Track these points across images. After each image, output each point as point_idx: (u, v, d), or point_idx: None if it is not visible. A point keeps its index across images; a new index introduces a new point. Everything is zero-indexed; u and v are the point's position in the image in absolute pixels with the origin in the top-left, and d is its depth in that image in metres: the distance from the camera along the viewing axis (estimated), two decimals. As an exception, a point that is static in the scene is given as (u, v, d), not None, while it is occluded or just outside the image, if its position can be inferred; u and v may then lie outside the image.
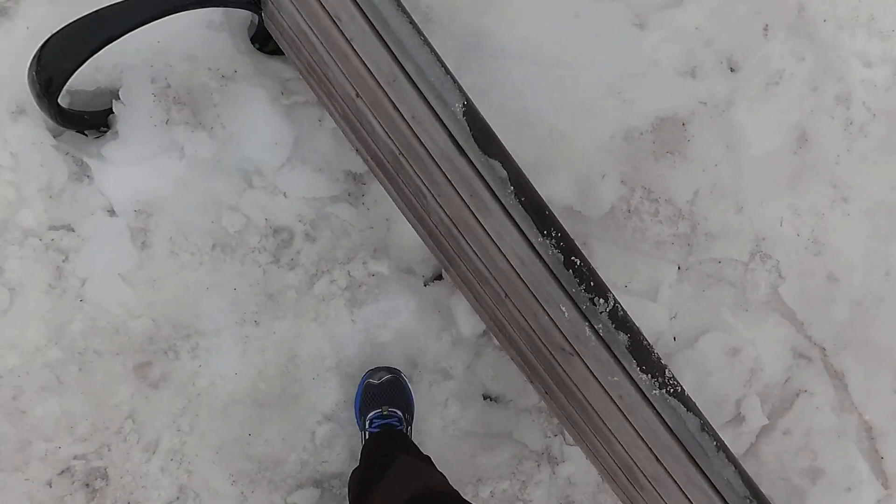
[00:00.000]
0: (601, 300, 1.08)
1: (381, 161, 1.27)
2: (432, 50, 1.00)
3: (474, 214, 1.11)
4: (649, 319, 1.55)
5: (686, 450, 1.13)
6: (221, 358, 1.25)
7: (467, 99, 1.03)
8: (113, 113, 1.24)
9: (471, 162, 1.06)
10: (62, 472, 1.23)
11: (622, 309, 1.10)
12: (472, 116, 1.03)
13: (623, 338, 1.09)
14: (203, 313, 1.25)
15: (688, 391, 1.15)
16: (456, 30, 1.37)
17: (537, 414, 1.55)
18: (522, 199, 1.06)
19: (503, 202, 1.06)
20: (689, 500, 1.18)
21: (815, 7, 1.50)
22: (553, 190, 1.44)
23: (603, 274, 1.19)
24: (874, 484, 1.59)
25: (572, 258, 1.07)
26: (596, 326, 1.09)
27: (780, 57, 1.47)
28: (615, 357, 1.11)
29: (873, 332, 1.62)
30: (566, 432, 1.57)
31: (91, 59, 1.05)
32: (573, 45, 1.38)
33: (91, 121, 1.25)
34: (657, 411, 1.12)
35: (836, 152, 1.56)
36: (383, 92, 1.07)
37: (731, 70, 1.47)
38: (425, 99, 1.02)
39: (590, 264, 1.10)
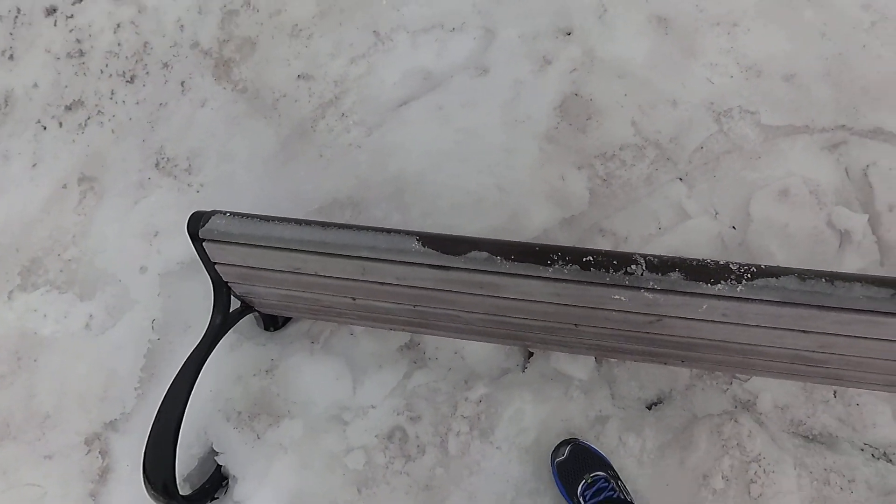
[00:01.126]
0: (633, 266, 1.19)
1: (411, 321, 1.48)
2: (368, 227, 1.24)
3: (494, 295, 1.27)
4: (699, 232, 1.61)
5: (810, 305, 1.15)
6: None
7: (419, 234, 1.24)
8: (221, 466, 1.50)
9: (455, 268, 1.24)
10: None
11: (654, 257, 1.20)
12: (429, 240, 1.23)
13: (675, 275, 1.19)
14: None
15: (783, 261, 1.16)
16: (378, 197, 1.64)
17: (700, 381, 1.56)
18: (512, 256, 1.23)
19: (503, 271, 1.23)
20: (854, 336, 1.17)
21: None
22: (538, 221, 1.61)
23: (633, 234, 1.27)
24: None
25: (584, 259, 1.20)
26: (650, 286, 1.19)
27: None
28: (685, 293, 1.19)
29: (863, 80, 1.64)
30: (735, 374, 1.56)
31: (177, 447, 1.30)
32: (455, 134, 1.64)
33: (212, 487, 1.49)
34: (757, 300, 1.16)
35: (695, 6, 1.72)
36: (364, 282, 1.29)
37: (568, 34, 1.69)
38: (391, 260, 1.23)
39: (608, 253, 1.22)
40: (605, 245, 1.66)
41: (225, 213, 1.38)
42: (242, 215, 1.37)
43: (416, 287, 1.31)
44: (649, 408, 1.56)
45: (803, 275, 1.18)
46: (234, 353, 1.61)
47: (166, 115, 1.81)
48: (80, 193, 1.85)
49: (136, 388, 1.65)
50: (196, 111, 1.73)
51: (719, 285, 1.19)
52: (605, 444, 1.49)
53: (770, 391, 1.51)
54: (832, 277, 1.17)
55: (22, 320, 1.77)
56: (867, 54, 1.64)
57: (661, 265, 1.20)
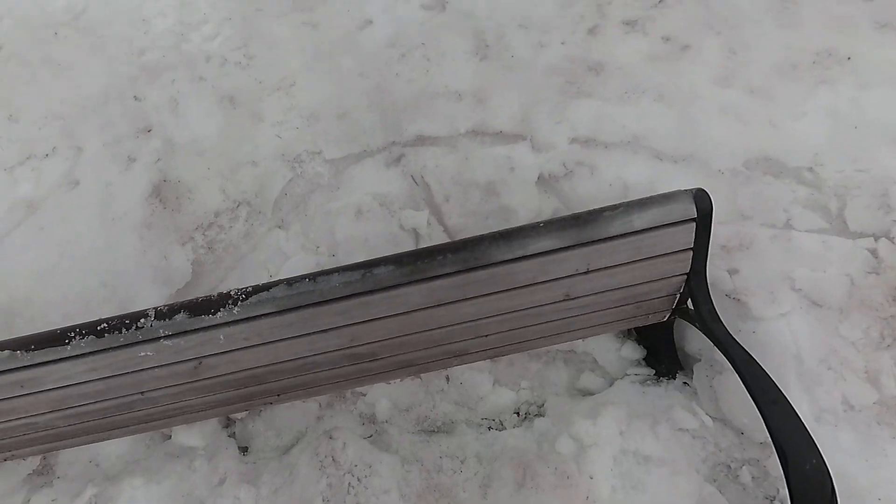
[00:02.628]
0: (143, 320, 1.32)
1: (26, 440, 1.51)
2: None
3: (37, 390, 1.35)
4: (301, 266, 1.79)
5: (299, 307, 1.31)
6: None
7: None
8: None
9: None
10: None
11: (164, 306, 1.34)
12: None
13: (181, 316, 1.33)
14: None
15: None
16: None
17: (329, 409, 1.66)
18: (32, 347, 1.33)
19: (28, 364, 1.32)
20: (352, 324, 1.33)
21: (152, 62, 2.05)
22: (148, 300, 1.73)
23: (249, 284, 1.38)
24: (517, 147, 1.81)
25: (98, 328, 1.32)
26: (165, 334, 1.32)
27: (160, 96, 1.97)
28: (197, 330, 1.33)
29: (400, 102, 1.95)
30: (350, 390, 1.68)
31: None
32: (61, 248, 1.79)
33: None
34: (260, 315, 1.31)
35: (255, 80, 2.02)
36: None
37: (148, 131, 1.93)
38: None
39: (106, 319, 1.33)
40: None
41: None
42: None
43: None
44: (286, 452, 1.62)
45: (290, 281, 1.36)
46: None
47: None
48: None
49: None
50: None
51: (220, 313, 1.34)
52: (221, 504, 1.52)
53: (388, 397, 1.64)
54: (314, 276, 1.36)
55: None
56: (400, 80, 1.98)
57: (168, 311, 1.34)
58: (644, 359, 1.71)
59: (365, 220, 1.81)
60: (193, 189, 1.86)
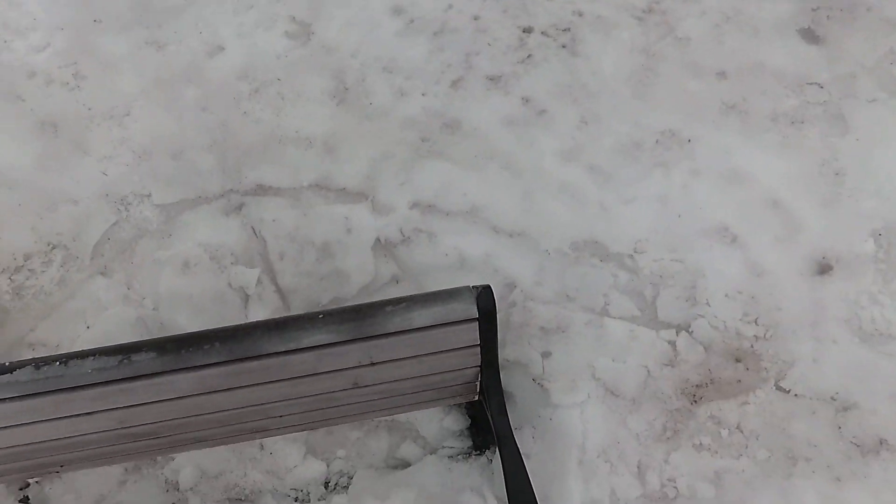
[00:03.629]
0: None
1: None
2: None
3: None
4: (121, 321, 1.71)
5: (46, 392, 1.23)
6: None
7: None
8: None
9: None
10: None
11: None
12: None
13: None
14: None
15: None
16: None
17: (134, 473, 1.61)
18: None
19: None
20: (117, 408, 1.27)
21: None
22: None
23: (62, 336, 1.28)
24: (357, 207, 1.79)
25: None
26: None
27: None
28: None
29: (244, 144, 1.86)
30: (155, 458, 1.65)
31: None
32: None
33: None
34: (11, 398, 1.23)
35: (83, 106, 1.87)
36: None
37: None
38: None
39: None
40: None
41: None
42: None
43: None
44: None
45: (38, 363, 1.28)
46: None
47: None
48: None
49: None
50: None
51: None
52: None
53: (195, 463, 1.62)
54: (66, 358, 1.28)
55: None
56: (248, 119, 1.91)
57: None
58: (468, 428, 1.78)
59: (192, 274, 1.75)
60: (0, 225, 1.73)
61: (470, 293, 1.37)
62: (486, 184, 1.83)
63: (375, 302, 1.34)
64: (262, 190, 1.83)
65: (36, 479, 1.62)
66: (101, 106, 1.86)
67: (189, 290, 1.72)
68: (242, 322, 1.61)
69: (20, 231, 1.73)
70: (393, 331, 1.32)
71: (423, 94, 1.99)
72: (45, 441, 1.34)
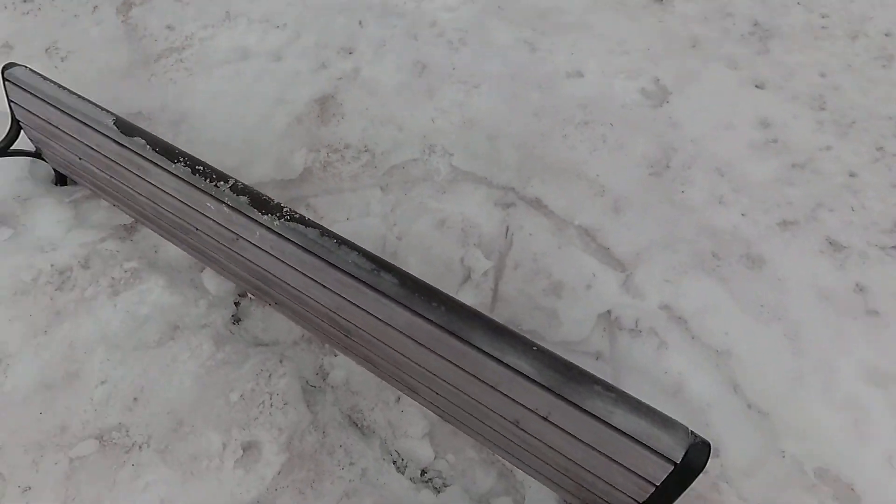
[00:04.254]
0: (222, 182, 1.61)
1: (122, 199, 1.96)
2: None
3: (143, 178, 1.73)
4: (372, 230, 1.96)
5: (314, 254, 1.47)
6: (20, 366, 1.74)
7: (114, 115, 1.76)
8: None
9: (127, 147, 1.73)
10: None
11: (240, 183, 1.60)
12: (121, 123, 1.74)
13: (244, 199, 1.57)
14: (9, 339, 1.79)
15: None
16: (167, 119, 2.21)
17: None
18: (157, 149, 1.69)
19: (148, 157, 1.69)
20: (342, 296, 1.45)
21: (394, 2, 2.34)
22: (260, 173, 2.06)
23: (328, 216, 1.60)
24: (610, 272, 1.72)
25: (196, 166, 1.64)
26: (226, 201, 1.59)
27: (378, 33, 2.24)
28: (246, 216, 1.57)
29: (548, 160, 1.96)
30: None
31: None
32: (243, 90, 2.19)
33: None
34: (285, 237, 1.51)
35: (451, 64, 2.18)
36: (119, 164, 1.79)
37: (350, 53, 2.22)
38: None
39: (211, 167, 1.64)
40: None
41: (29, 69, 1.99)
42: (42, 77, 1.97)
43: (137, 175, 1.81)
44: (255, 346, 1.84)
45: (323, 231, 1.51)
46: (17, 183, 2.19)
47: (74, 23, 2.55)
48: None
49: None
50: (93, 27, 2.47)
51: (266, 216, 1.56)
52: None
53: (348, 371, 1.79)
54: (342, 241, 1.49)
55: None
56: (564, 142, 1.98)
57: (240, 190, 1.60)
58: (566, 542, 1.56)
59: (441, 231, 1.90)
60: (346, 115, 2.13)
61: (685, 436, 1.17)
62: (757, 341, 1.58)
63: (588, 373, 1.26)
64: (537, 204, 1.90)
65: (251, 297, 1.95)
66: (463, 73, 2.17)
67: (431, 242, 1.88)
68: (451, 294, 1.71)
69: (355, 127, 2.11)
70: (587, 409, 1.22)
71: (742, 214, 1.82)
72: (284, 281, 1.62)
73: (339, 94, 2.16)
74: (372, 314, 1.48)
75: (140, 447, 1.64)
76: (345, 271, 1.50)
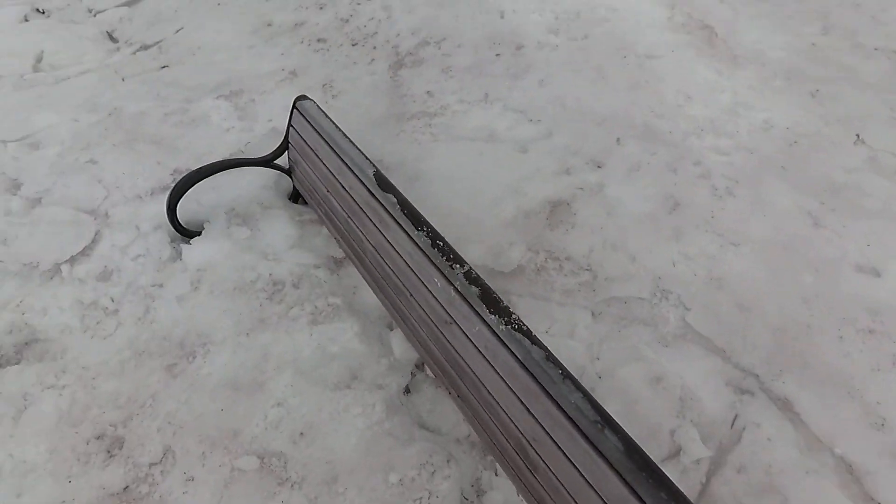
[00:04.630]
0: (458, 266, 1.61)
1: (343, 234, 2.08)
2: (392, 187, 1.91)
3: (381, 231, 1.81)
4: (571, 355, 1.85)
5: (532, 375, 1.39)
6: (219, 356, 1.86)
7: (375, 167, 1.89)
8: (204, 227, 2.30)
9: (377, 199, 1.83)
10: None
11: (474, 272, 1.60)
12: (380, 177, 1.86)
13: (475, 290, 1.56)
14: (216, 327, 1.93)
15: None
16: (403, 174, 2.35)
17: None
18: (406, 212, 1.76)
19: (395, 216, 1.77)
20: (547, 433, 1.33)
21: (658, 126, 2.28)
22: (472, 255, 2.07)
23: (527, 322, 1.64)
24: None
25: (437, 241, 1.67)
26: (456, 285, 1.59)
27: (635, 155, 2.18)
28: (473, 308, 1.55)
29: (811, 358, 1.71)
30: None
31: (196, 200, 2.15)
32: (480, 168, 2.26)
33: (192, 232, 2.30)
34: (506, 344, 1.45)
35: (710, 211, 2.04)
36: (362, 210, 1.95)
37: (598, 167, 2.19)
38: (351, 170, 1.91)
39: (450, 246, 1.67)
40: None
41: (317, 105, 2.24)
42: (325, 115, 2.22)
43: (356, 202, 1.94)
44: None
45: (549, 356, 1.43)
46: (261, 191, 2.44)
47: (351, 68, 2.89)
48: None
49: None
50: (365, 76, 2.79)
51: (493, 316, 1.51)
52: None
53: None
54: (567, 376, 1.39)
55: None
56: (837, 347, 1.71)
57: (473, 279, 1.59)
58: None
59: (653, 390, 1.71)
60: (577, 228, 2.08)
61: None
62: None
63: None
64: (785, 406, 1.61)
65: (428, 373, 1.93)
66: (723, 224, 2.03)
67: (638, 396, 1.68)
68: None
69: (583, 244, 2.06)
70: None
71: None
72: (482, 383, 1.57)
73: (575, 203, 2.14)
74: (578, 470, 1.34)
75: (293, 485, 1.63)
76: (561, 409, 1.40)
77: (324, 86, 2.79)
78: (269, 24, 3.30)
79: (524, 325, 1.54)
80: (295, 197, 2.51)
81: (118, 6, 4.67)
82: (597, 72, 2.46)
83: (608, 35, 2.61)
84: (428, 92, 2.62)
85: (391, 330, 2.04)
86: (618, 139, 2.29)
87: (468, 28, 2.81)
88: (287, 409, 1.77)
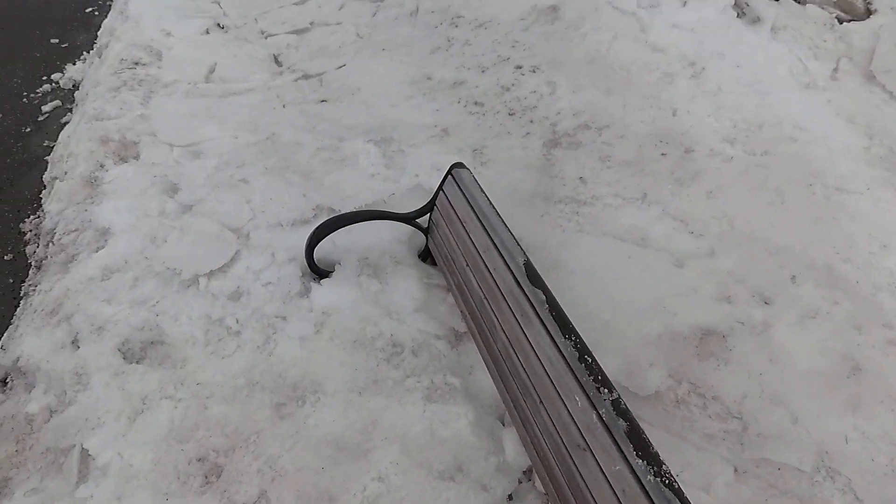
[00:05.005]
0: (606, 390, 1.49)
1: (473, 311, 2.03)
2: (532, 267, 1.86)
3: (521, 325, 1.73)
4: (704, 515, 1.64)
5: None
6: (329, 409, 1.84)
7: (526, 257, 1.83)
8: (335, 269, 2.35)
9: (524, 291, 1.76)
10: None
11: (624, 402, 1.46)
12: (530, 268, 1.80)
13: (622, 424, 1.43)
14: (330, 377, 1.92)
15: None
16: (541, 259, 2.27)
17: None
18: (554, 313, 1.67)
19: (541, 315, 1.69)
20: None
21: (844, 272, 2.04)
22: (604, 365, 1.93)
23: None
24: None
25: (585, 356, 1.56)
26: (600, 412, 1.47)
27: (812, 299, 1.95)
28: (616, 443, 1.41)
29: None
30: None
31: (331, 240, 2.21)
32: (627, 273, 2.13)
33: (324, 271, 2.36)
34: (651, 498, 1.29)
35: (899, 388, 1.77)
36: (503, 297, 1.90)
37: (766, 303, 1.98)
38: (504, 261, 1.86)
39: (599, 365, 1.55)
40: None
41: (473, 177, 2.25)
42: (481, 188, 2.21)
43: (497, 286, 1.88)
44: None
45: None
46: (395, 245, 2.46)
47: (505, 138, 2.91)
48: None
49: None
50: (518, 148, 2.80)
51: (640, 461, 1.36)
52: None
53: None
54: None
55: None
56: None
57: (622, 411, 1.45)
58: None
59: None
60: (730, 367, 1.88)
61: None
62: None
63: None
64: None
65: (537, 486, 1.81)
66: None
67: None
68: None
69: (735, 387, 1.86)
70: None
71: None
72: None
73: (732, 338, 1.95)
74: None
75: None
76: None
77: (474, 150, 2.83)
78: (429, 78, 3.45)
79: (676, 482, 1.37)
80: (425, 256, 2.52)
81: (288, 33, 5.15)
82: (776, 194, 2.28)
83: (793, 157, 2.43)
84: (581, 178, 2.57)
85: (503, 425, 1.93)
86: (793, 277, 2.08)
87: (635, 120, 2.76)
88: (387, 486, 1.70)
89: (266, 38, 5.15)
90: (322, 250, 2.39)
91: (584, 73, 3.10)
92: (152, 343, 2.25)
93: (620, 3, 3.40)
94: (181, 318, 2.30)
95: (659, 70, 2.99)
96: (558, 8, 3.57)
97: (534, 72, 3.21)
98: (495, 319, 1.94)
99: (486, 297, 2.01)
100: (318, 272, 2.38)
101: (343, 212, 2.69)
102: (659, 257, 2.19)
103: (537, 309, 1.78)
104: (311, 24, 5.12)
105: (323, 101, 3.63)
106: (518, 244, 1.93)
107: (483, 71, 3.35)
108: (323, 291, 2.28)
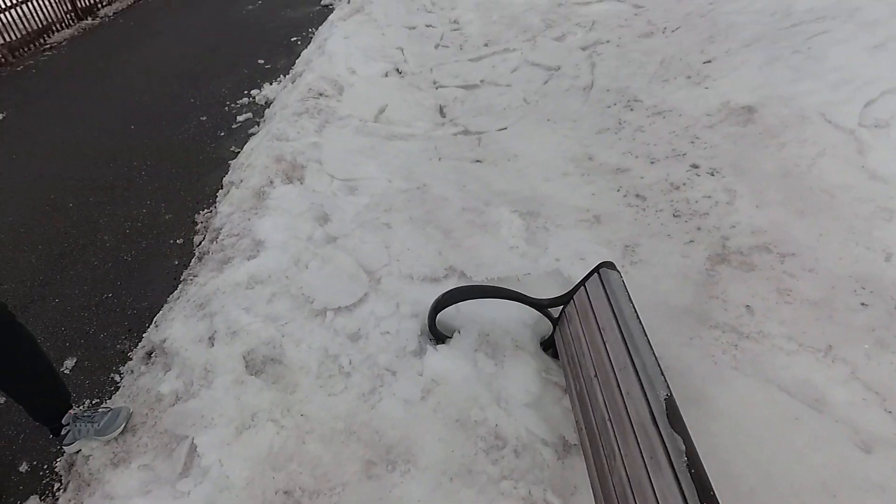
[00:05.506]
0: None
1: (591, 429, 1.85)
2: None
3: (647, 469, 1.52)
4: None
5: None
6: (417, 486, 1.78)
7: (669, 391, 1.63)
8: (454, 336, 2.33)
9: (659, 434, 1.57)
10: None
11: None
12: (672, 407, 1.60)
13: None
14: (425, 451, 1.86)
15: None
16: (685, 387, 2.02)
17: None
18: (693, 471, 1.45)
19: (675, 469, 1.48)
20: None
21: None
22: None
23: None
24: None
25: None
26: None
27: None
28: None
29: None
30: None
31: (455, 306, 2.18)
32: (790, 438, 1.82)
33: (442, 335, 2.34)
34: None
35: None
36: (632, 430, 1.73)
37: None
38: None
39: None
40: None
41: (623, 282, 2.09)
42: (629, 298, 2.03)
43: (626, 410, 1.70)
44: None
45: None
46: (519, 326, 2.38)
47: (661, 240, 2.72)
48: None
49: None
50: (677, 256, 2.59)
51: None
52: None
53: None
54: None
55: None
56: None
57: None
58: None
59: None
60: None
61: None
62: None
63: None
64: None
65: None
66: None
67: None
68: None
69: None
70: None
71: None
72: None
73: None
74: None
75: None
76: None
77: (626, 246, 2.67)
78: (591, 158, 3.38)
79: None
80: (547, 345, 2.40)
81: (457, 86, 5.43)
82: None
83: None
84: (748, 306, 2.29)
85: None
86: None
87: (831, 255, 2.44)
88: None
89: (437, 88, 5.49)
90: (445, 312, 2.38)
91: (775, 187, 2.82)
92: (272, 360, 2.37)
93: (836, 117, 3.05)
94: (302, 345, 2.40)
95: (875, 203, 2.62)
96: (755, 110, 3.32)
97: (712, 174, 3.00)
98: (617, 449, 1.75)
99: (610, 421, 1.83)
100: (437, 336, 2.37)
101: (475, 279, 2.69)
102: (838, 431, 1.83)
103: (672, 459, 1.56)
104: (482, 81, 5.36)
105: (477, 160, 3.71)
106: (662, 374, 1.74)
107: (652, 162, 3.20)
108: (437, 357, 2.25)
